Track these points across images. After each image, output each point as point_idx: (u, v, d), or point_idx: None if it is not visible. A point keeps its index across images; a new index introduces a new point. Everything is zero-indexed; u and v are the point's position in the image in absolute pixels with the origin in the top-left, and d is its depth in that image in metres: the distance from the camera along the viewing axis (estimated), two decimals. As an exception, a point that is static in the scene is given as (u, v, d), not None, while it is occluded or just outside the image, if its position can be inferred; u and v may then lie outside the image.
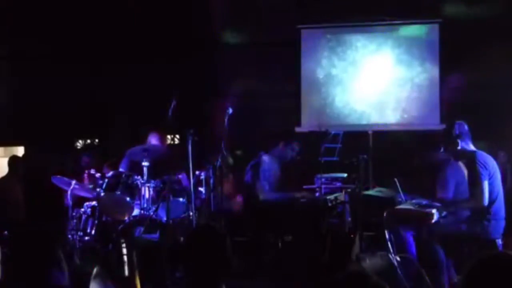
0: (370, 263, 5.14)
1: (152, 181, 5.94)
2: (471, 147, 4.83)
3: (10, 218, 6.53)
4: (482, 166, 4.64)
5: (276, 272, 5.54)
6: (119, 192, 5.87)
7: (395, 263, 4.86)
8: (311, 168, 6.44)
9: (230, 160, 6.10)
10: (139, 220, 5.75)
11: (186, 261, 2.73)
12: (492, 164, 4.75)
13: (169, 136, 8.78)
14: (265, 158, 6.12)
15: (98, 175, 6.22)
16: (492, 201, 4.66)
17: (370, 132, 8.14)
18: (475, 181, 4.65)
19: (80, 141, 9.28)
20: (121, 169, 6.53)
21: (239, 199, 6.48)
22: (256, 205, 5.99)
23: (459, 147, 4.78)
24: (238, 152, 7.54)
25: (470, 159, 4.73)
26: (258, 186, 5.98)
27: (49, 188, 6.52)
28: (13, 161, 7.26)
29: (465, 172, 4.93)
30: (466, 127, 4.82)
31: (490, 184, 4.65)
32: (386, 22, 8.66)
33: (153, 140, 6.70)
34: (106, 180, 5.97)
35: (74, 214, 6.01)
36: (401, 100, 8.59)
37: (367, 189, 6.14)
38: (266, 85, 8.98)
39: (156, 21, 8.74)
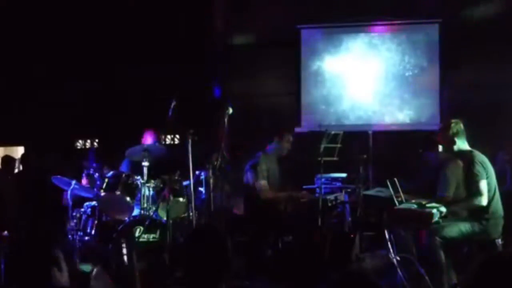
0: (370, 263, 5.15)
1: (152, 181, 5.94)
2: (467, 145, 4.82)
3: (5, 218, 6.52)
4: (480, 165, 4.64)
5: (276, 272, 5.53)
6: (119, 192, 5.88)
7: (395, 263, 4.86)
8: (311, 168, 6.44)
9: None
10: (139, 220, 5.75)
11: (186, 261, 2.73)
12: (488, 163, 4.75)
13: (169, 136, 8.78)
14: (263, 157, 6.10)
15: (96, 175, 6.21)
16: (489, 200, 4.65)
17: (370, 132, 8.15)
18: (474, 180, 4.64)
19: (80, 141, 9.26)
20: (122, 170, 6.53)
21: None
22: (256, 205, 5.98)
23: (455, 145, 4.77)
24: (238, 153, 7.53)
25: (468, 159, 4.72)
26: (258, 185, 5.97)
27: (49, 188, 6.51)
28: (6, 160, 7.29)
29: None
30: (461, 125, 4.81)
31: (488, 184, 4.64)
32: (386, 22, 8.67)
33: (148, 138, 6.69)
34: (106, 180, 5.97)
35: (74, 214, 6.01)
36: (401, 100, 8.59)
37: (367, 189, 6.14)
38: (266, 85, 8.99)
39: (156, 21, 8.74)
